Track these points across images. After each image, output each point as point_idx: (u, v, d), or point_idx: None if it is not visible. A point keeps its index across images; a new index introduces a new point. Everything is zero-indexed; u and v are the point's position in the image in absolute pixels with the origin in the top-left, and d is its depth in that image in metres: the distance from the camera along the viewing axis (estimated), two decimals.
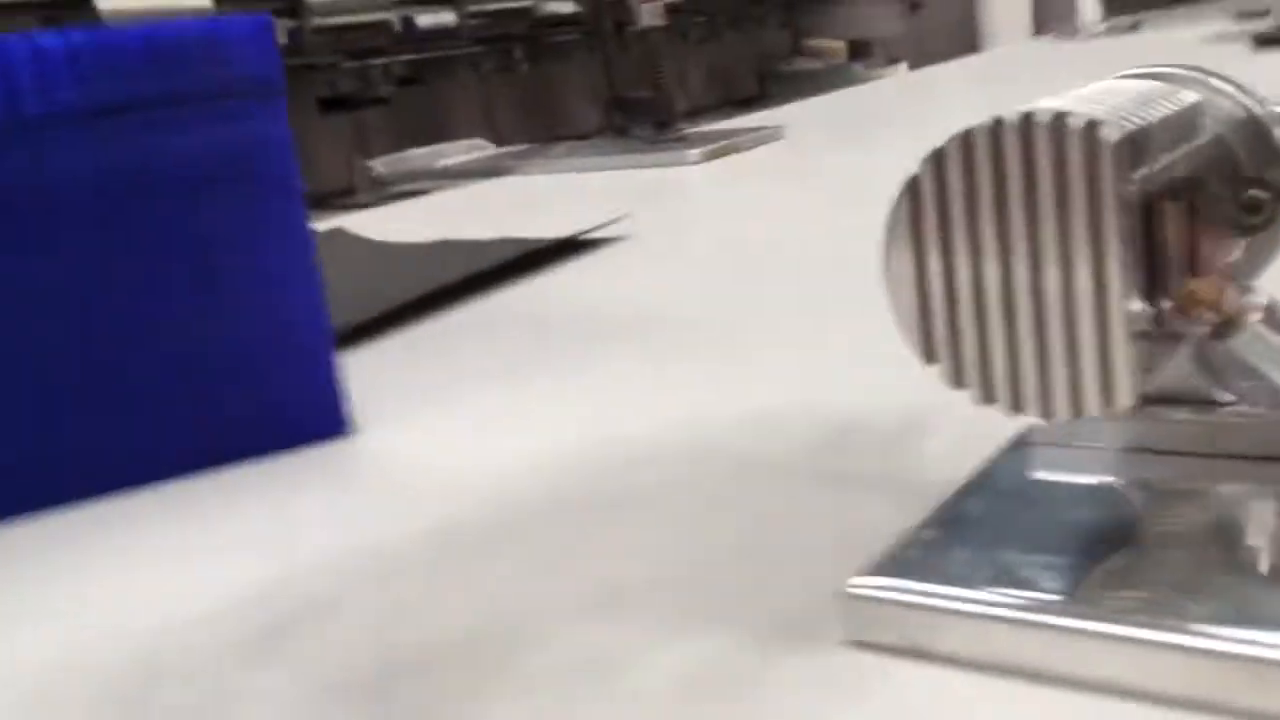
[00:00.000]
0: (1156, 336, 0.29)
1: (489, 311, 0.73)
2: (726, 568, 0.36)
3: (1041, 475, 0.35)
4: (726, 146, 1.27)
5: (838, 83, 2.30)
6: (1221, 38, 1.59)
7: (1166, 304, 0.28)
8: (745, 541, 0.37)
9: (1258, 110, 0.33)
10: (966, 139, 0.29)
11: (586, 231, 0.89)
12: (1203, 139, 0.32)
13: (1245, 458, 0.33)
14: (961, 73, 2.00)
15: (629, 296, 0.73)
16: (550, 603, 0.35)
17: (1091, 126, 0.27)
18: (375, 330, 0.70)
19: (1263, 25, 1.72)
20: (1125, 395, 0.28)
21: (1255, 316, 0.28)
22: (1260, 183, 0.32)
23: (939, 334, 0.30)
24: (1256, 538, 0.31)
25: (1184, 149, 0.30)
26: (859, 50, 3.08)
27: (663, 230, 0.94)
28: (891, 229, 0.30)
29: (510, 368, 0.60)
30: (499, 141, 1.61)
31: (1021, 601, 0.29)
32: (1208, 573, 0.29)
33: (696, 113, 2.18)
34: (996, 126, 0.28)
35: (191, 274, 0.49)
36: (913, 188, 0.29)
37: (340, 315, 0.67)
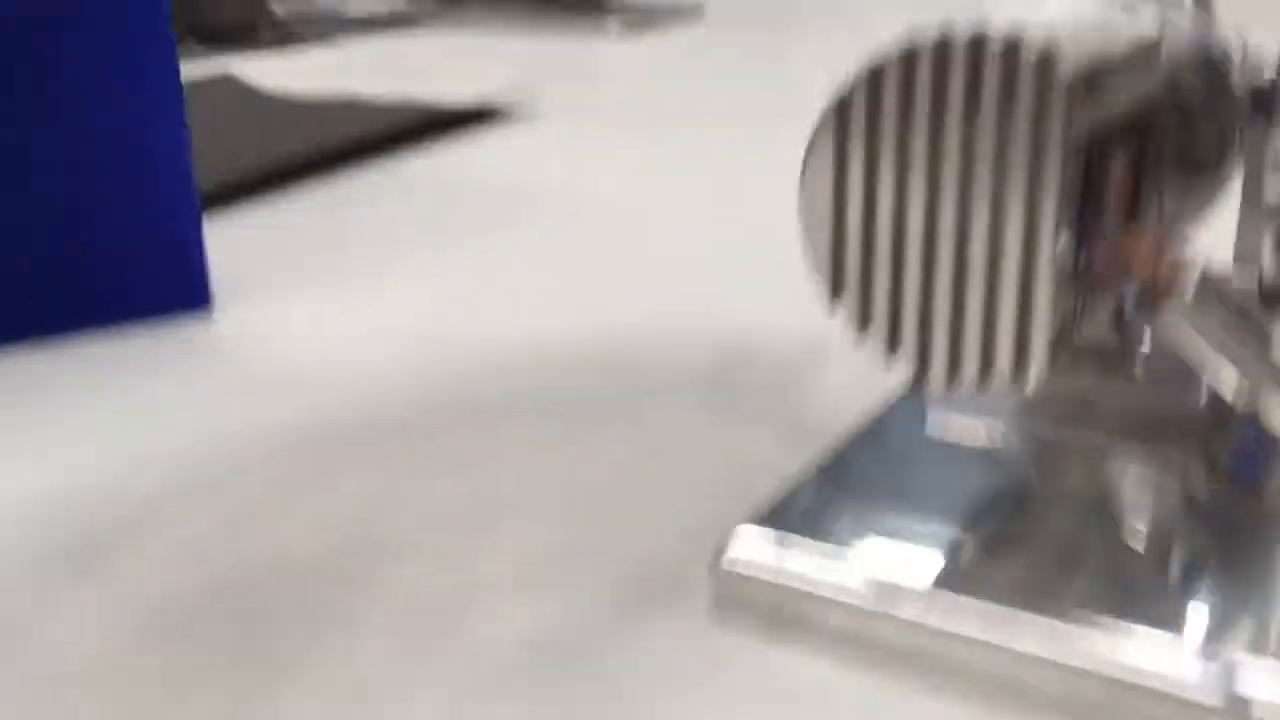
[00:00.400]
0: (1082, 294, 0.26)
1: (380, 180, 0.69)
2: (597, 501, 0.33)
3: (934, 423, 0.33)
4: (646, 21, 1.22)
5: None
6: None
7: (1097, 261, 0.25)
8: (620, 471, 0.35)
9: (1212, 43, 0.31)
10: (909, 58, 0.25)
11: (491, 100, 0.85)
12: (1157, 75, 0.29)
13: (1140, 429, 0.31)
14: None
15: (528, 174, 0.69)
16: (395, 531, 0.32)
17: (1047, 59, 0.24)
18: (257, 191, 0.65)
19: None
20: (1040, 361, 0.25)
21: (1189, 286, 0.25)
22: (1211, 119, 0.30)
23: (850, 268, 0.27)
24: (1136, 515, 0.29)
25: (1137, 87, 0.27)
26: None
27: (570, 106, 0.89)
28: (813, 149, 0.27)
29: (394, 243, 0.56)
30: None
31: (894, 587, 0.27)
32: (1085, 549, 0.28)
33: None
34: (943, 47, 0.25)
35: (50, 122, 0.44)
36: (842, 106, 0.26)
37: (220, 173, 0.63)
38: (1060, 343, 0.26)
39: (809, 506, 0.30)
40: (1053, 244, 0.25)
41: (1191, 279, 0.26)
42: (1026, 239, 0.25)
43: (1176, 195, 0.29)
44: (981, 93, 0.25)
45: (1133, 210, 0.26)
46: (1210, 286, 0.26)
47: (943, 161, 0.25)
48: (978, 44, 0.25)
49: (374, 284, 0.51)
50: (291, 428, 0.38)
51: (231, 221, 0.60)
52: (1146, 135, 0.27)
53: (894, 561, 0.27)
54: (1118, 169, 0.26)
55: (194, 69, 0.99)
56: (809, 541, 0.28)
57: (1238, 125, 0.31)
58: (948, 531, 0.29)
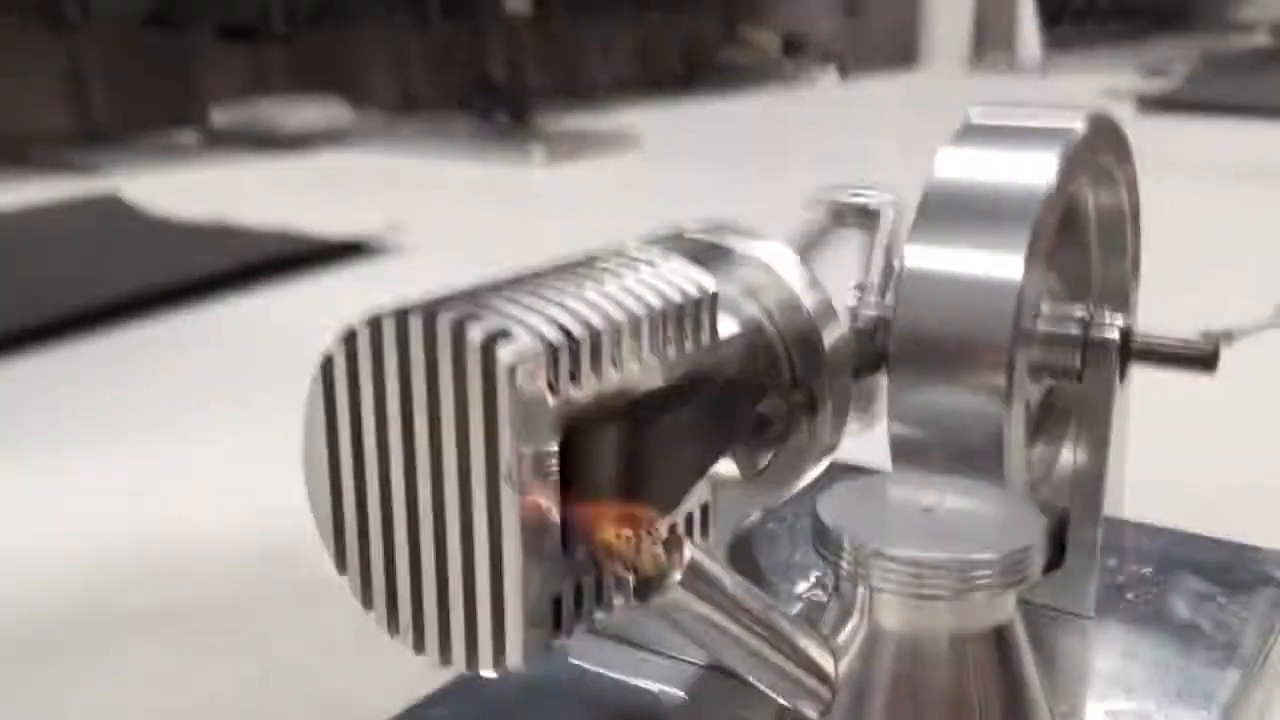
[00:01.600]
0: (578, 585, 0.24)
1: (202, 323, 0.68)
2: None
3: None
4: (573, 152, 1.22)
5: (765, 78, 2.26)
6: (1114, 94, 1.55)
7: (572, 547, 0.24)
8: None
9: (806, 302, 0.29)
10: (374, 325, 0.24)
11: (367, 233, 0.84)
12: (722, 337, 0.27)
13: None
14: (857, 97, 1.98)
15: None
16: None
17: (491, 342, 0.22)
18: (91, 326, 0.65)
19: (1154, 86, 1.70)
20: (516, 653, 0.23)
21: (676, 577, 0.23)
22: (786, 389, 0.28)
23: (350, 540, 0.25)
24: None
25: (665, 356, 0.25)
26: (792, 45, 3.02)
27: (451, 240, 0.89)
28: (309, 409, 0.25)
29: (155, 412, 0.55)
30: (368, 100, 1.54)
31: None
32: None
33: (618, 89, 2.09)
34: (401, 318, 0.23)
35: None
36: (326, 369, 0.24)
37: (49, 308, 0.64)
38: (561, 625, 0.24)
39: None
40: (515, 528, 0.23)
41: (679, 572, 0.24)
42: (491, 519, 0.23)
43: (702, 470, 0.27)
44: (438, 370, 0.23)
45: (623, 494, 0.24)
46: (704, 575, 0.24)
47: (414, 438, 0.24)
48: (430, 319, 0.23)
49: (101, 459, 0.50)
50: None
51: (36, 363, 0.59)
52: (658, 411, 0.25)
53: None
54: (607, 452, 0.24)
55: (87, 185, 0.99)
56: None
57: (822, 389, 0.29)
58: None
